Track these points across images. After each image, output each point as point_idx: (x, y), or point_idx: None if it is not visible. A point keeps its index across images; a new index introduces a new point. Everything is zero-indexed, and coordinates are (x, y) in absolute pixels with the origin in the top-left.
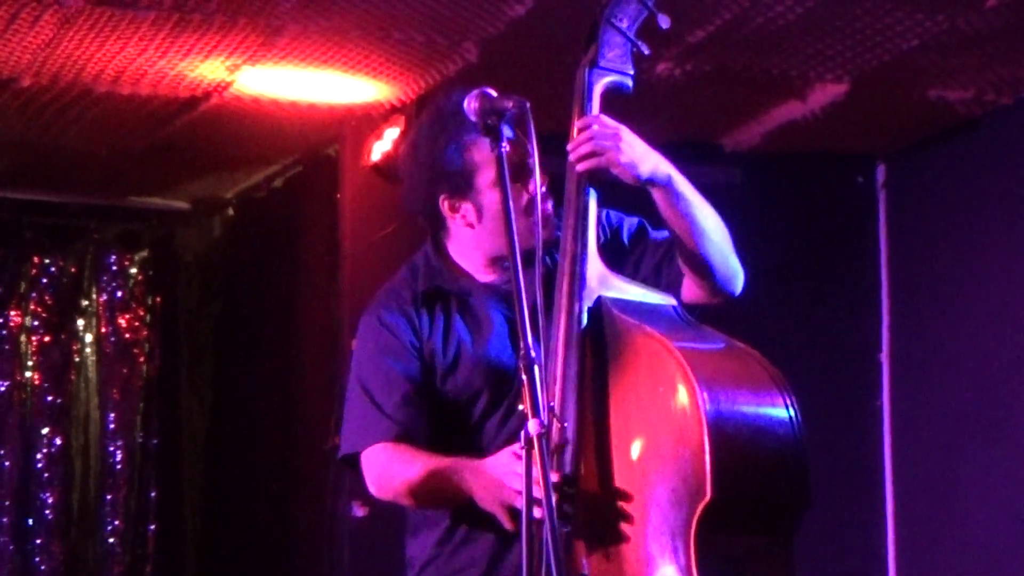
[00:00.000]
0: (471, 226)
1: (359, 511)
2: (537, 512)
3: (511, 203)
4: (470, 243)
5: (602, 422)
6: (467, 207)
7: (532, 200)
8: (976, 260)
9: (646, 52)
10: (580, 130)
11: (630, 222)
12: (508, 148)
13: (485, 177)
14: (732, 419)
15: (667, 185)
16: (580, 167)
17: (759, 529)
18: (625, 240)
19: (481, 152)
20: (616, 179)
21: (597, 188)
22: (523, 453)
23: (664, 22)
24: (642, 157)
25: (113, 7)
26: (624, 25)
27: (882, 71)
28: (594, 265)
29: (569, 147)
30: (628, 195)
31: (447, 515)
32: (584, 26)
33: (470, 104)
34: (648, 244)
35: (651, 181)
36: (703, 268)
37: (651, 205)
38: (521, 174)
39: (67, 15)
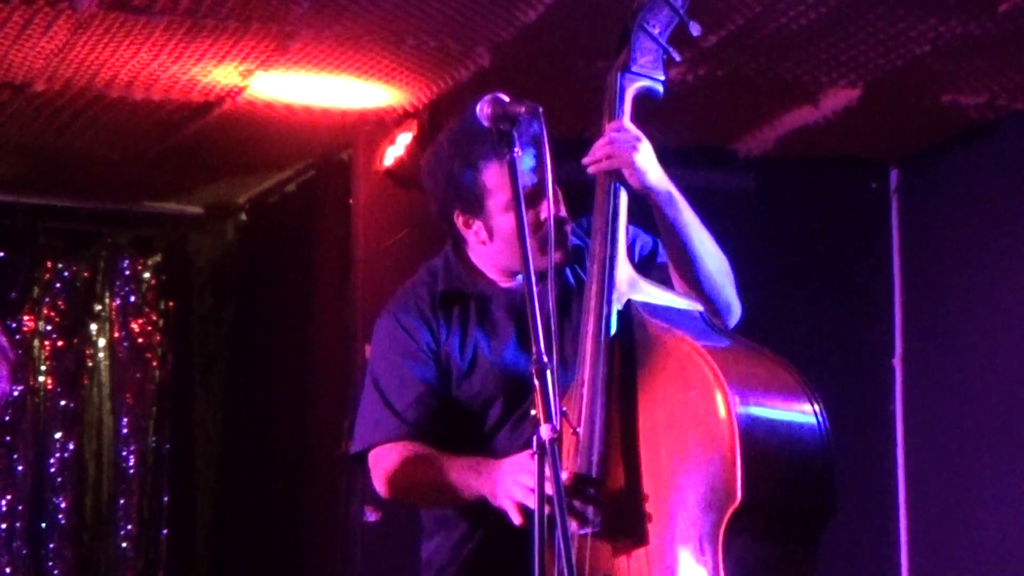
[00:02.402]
0: (483, 243)
1: (372, 516)
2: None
3: (523, 207)
4: (485, 255)
5: (630, 425)
6: (479, 225)
7: (544, 220)
8: (989, 265)
9: (677, 59)
10: (605, 135)
11: (644, 240)
12: (520, 153)
13: (496, 201)
14: (763, 423)
15: (668, 199)
16: (592, 169)
17: (786, 534)
18: (636, 257)
19: (492, 177)
20: (624, 181)
21: (625, 187)
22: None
23: (695, 30)
24: (653, 167)
25: (126, 12)
26: (656, 31)
27: (895, 76)
28: (623, 268)
29: (589, 155)
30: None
31: (464, 519)
32: (596, 32)
33: (482, 110)
34: (654, 266)
35: (654, 189)
36: (696, 292)
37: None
38: (535, 199)
39: (80, 20)
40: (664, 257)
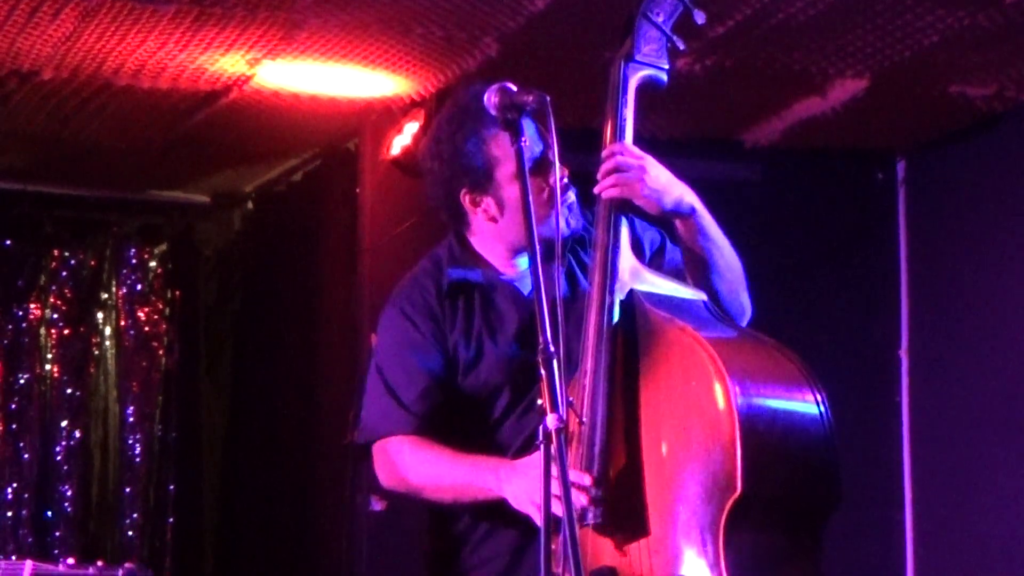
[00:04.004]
0: (493, 220)
1: (377, 505)
2: (558, 508)
3: (531, 197)
4: (493, 236)
5: (632, 415)
6: (488, 201)
7: (552, 193)
8: (996, 256)
9: (681, 47)
10: (606, 158)
11: (652, 235)
12: (527, 142)
13: (505, 171)
14: (764, 414)
15: (690, 217)
16: (605, 195)
17: (788, 524)
18: (646, 253)
19: (500, 146)
20: (640, 209)
21: (624, 215)
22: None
23: (700, 18)
24: (666, 189)
25: (134, 0)
26: (660, 19)
27: (903, 67)
28: (626, 258)
29: (599, 177)
30: None
31: (468, 509)
32: (604, 21)
33: (490, 99)
34: (663, 265)
35: (675, 212)
36: (711, 298)
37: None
38: (541, 167)
39: (88, 8)
40: (673, 256)
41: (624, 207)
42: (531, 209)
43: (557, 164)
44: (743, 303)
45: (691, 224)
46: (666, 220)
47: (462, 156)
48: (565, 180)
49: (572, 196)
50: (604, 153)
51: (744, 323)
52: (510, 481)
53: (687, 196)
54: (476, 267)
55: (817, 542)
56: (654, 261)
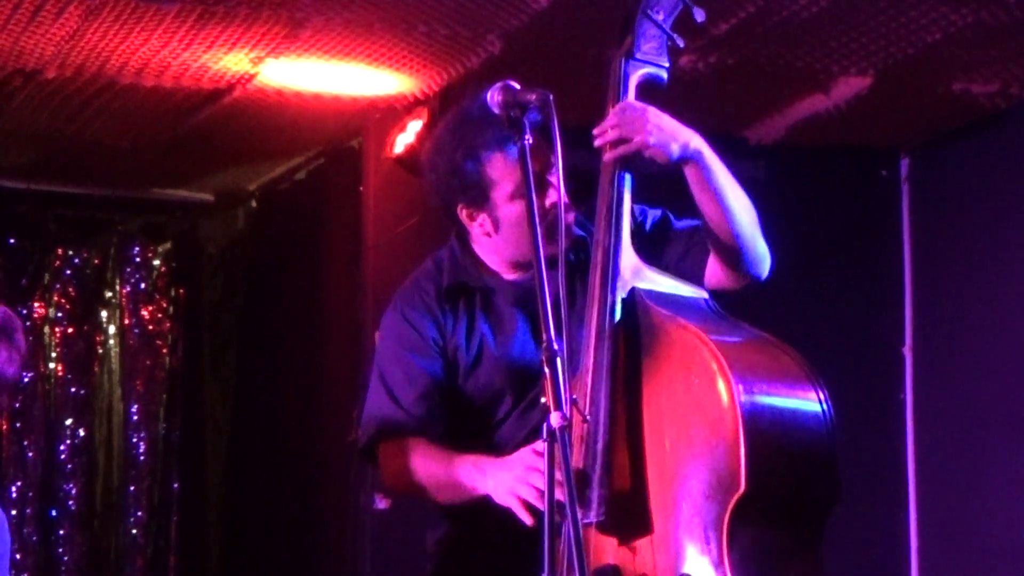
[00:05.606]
0: (488, 235)
1: (381, 503)
2: (541, 503)
3: (534, 198)
4: (490, 247)
5: (635, 414)
6: (484, 217)
7: (548, 208)
8: (1000, 253)
9: (681, 45)
10: (612, 116)
11: (653, 214)
12: (531, 141)
13: (501, 192)
14: (767, 412)
15: (698, 161)
16: (608, 156)
17: (791, 522)
18: (647, 229)
19: (496, 168)
20: (649, 161)
21: (631, 173)
22: (544, 448)
23: (699, 15)
24: (672, 135)
25: None
26: (660, 17)
27: (906, 64)
28: (628, 256)
29: (596, 131)
30: (659, 184)
31: (470, 507)
32: (607, 18)
33: (493, 97)
34: (671, 234)
35: (683, 159)
36: (732, 248)
37: (680, 190)
38: (540, 184)
39: (91, 7)
40: (679, 224)
41: (630, 163)
42: (535, 213)
43: (560, 165)
44: (762, 250)
45: (700, 167)
46: (676, 169)
47: (459, 173)
48: (567, 200)
49: (572, 217)
50: (610, 113)
51: (765, 271)
52: (491, 475)
53: (694, 140)
54: (477, 270)
55: (819, 538)
56: (658, 233)
